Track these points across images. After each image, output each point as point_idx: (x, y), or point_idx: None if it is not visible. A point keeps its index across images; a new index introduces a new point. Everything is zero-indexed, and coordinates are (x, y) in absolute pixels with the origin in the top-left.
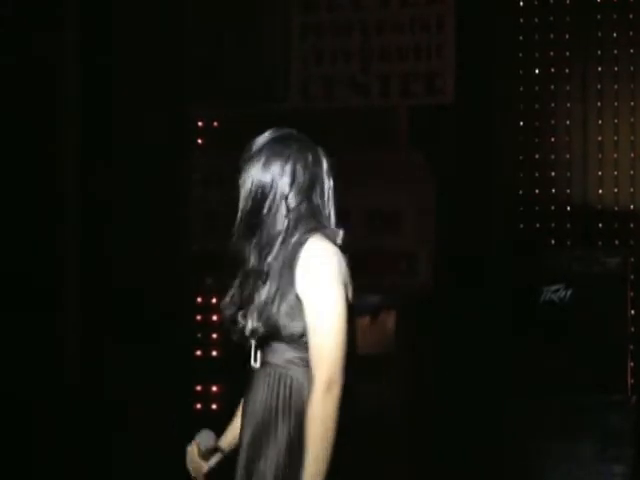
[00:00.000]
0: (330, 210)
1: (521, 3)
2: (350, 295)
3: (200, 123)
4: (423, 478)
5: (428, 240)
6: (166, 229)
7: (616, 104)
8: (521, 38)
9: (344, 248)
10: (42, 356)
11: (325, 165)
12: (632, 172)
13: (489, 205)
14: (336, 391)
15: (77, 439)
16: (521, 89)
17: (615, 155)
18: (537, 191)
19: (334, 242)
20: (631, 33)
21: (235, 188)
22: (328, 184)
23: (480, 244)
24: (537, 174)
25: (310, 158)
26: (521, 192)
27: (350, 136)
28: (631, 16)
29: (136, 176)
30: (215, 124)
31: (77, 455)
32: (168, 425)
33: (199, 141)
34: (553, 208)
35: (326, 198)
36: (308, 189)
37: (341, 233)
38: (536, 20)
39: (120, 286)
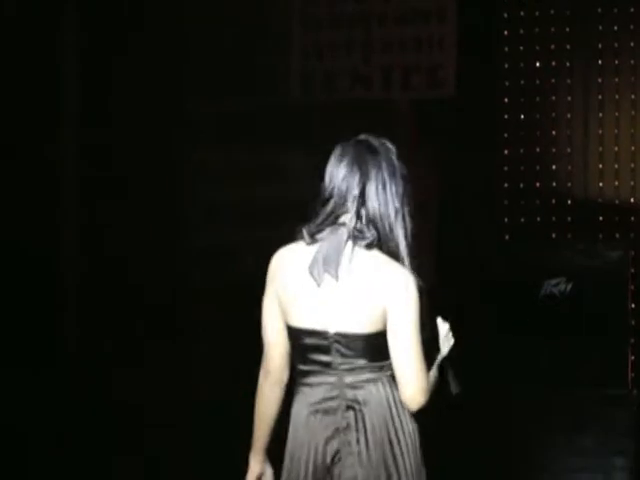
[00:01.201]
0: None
1: None
2: (280, 288)
3: (200, 122)
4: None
5: (428, 240)
6: (165, 226)
7: (617, 97)
8: (522, 31)
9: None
10: (42, 355)
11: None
12: (633, 165)
13: (489, 203)
14: (264, 375)
15: (77, 439)
16: (522, 82)
17: (616, 148)
18: (538, 184)
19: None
20: (632, 26)
21: (236, 184)
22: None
23: (479, 243)
24: (538, 167)
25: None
26: (522, 186)
27: (350, 136)
28: (632, 9)
29: (136, 174)
30: (215, 121)
31: (77, 455)
32: (168, 425)
33: (200, 139)
34: (554, 201)
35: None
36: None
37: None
38: (537, 13)
39: (119, 284)
